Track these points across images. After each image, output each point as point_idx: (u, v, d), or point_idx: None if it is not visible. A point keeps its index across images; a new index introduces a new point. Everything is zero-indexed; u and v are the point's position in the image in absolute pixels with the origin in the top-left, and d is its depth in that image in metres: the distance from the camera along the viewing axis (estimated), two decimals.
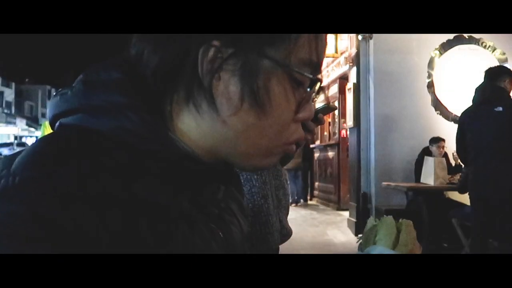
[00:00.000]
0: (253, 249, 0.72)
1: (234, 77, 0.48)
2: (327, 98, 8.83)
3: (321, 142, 9.56)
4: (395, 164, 5.69)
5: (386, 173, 5.61)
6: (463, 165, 3.80)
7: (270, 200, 1.21)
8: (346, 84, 6.95)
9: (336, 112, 8.21)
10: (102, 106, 0.48)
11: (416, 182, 4.88)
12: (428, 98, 5.87)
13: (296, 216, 7.23)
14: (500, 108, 3.20)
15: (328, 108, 1.35)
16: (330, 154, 8.48)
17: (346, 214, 6.99)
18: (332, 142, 8.64)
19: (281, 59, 0.49)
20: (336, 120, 8.55)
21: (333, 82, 8.27)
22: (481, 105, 3.31)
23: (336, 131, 8.56)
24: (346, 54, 6.97)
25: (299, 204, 8.78)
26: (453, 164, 4.91)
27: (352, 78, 6.35)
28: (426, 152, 5.00)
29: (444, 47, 5.93)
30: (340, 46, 7.24)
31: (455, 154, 4.51)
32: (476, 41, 5.95)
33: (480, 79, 3.50)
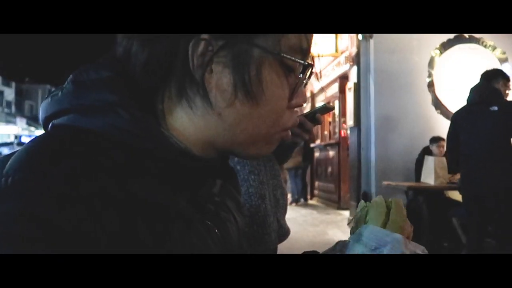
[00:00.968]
0: (251, 249, 0.71)
1: (226, 68, 0.48)
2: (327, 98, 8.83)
3: (321, 141, 9.55)
4: (396, 163, 5.69)
5: (387, 173, 5.62)
6: (448, 169, 3.78)
7: (267, 200, 1.20)
8: (347, 83, 6.95)
9: (337, 111, 8.21)
10: (93, 105, 0.47)
11: (417, 181, 4.88)
12: (429, 97, 5.88)
13: (296, 216, 7.22)
14: (496, 108, 3.24)
15: (326, 108, 1.35)
16: (331, 153, 8.47)
17: (346, 213, 7.00)
18: (332, 141, 8.63)
19: (271, 46, 0.49)
20: (337, 119, 8.54)
21: (334, 81, 8.27)
22: (476, 105, 3.35)
23: (337, 130, 8.55)
24: (346, 54, 6.97)
25: (299, 203, 8.78)
26: None
27: (353, 78, 6.35)
28: (427, 151, 5.00)
29: (445, 47, 5.93)
30: (340, 45, 7.24)
31: None
32: (477, 41, 5.96)
33: None
